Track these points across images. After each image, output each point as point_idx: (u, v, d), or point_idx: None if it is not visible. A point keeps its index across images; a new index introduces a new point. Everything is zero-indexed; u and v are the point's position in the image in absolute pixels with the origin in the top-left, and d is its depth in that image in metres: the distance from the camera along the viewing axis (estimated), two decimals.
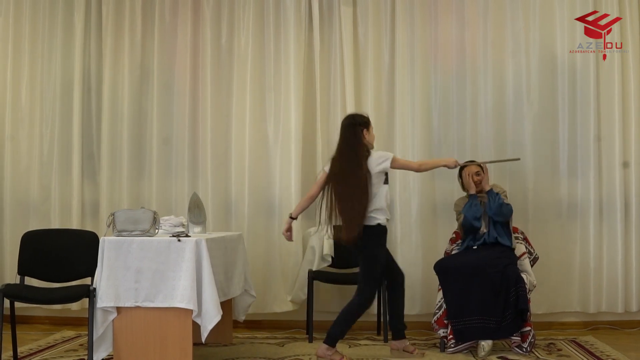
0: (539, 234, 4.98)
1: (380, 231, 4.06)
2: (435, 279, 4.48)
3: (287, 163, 5.13)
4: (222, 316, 3.86)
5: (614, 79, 5.03)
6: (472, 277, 4.25)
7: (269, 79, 5.22)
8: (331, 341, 4.05)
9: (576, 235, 5.06)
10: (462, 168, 4.65)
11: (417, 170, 4.28)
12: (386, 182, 4.10)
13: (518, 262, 4.49)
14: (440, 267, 4.40)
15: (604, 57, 5.07)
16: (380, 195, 4.04)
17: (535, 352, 4.28)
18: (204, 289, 3.82)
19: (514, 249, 4.54)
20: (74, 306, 5.06)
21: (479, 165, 4.63)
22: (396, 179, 5.11)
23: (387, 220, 4.12)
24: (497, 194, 4.53)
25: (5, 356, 4.07)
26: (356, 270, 5.00)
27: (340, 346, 4.49)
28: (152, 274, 3.85)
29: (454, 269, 4.34)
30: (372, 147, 4.14)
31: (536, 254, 4.68)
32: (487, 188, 4.56)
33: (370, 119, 4.21)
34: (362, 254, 4.09)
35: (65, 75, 5.31)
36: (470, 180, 4.59)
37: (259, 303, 4.93)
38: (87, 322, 3.93)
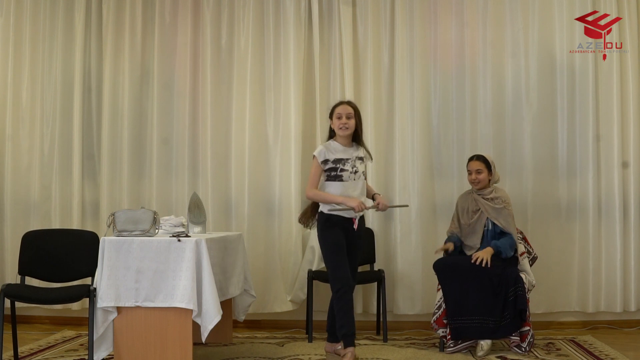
0: (538, 234, 4.99)
1: (324, 218, 3.99)
2: (434, 279, 4.48)
3: (287, 163, 5.14)
4: (222, 316, 3.86)
5: (613, 79, 5.04)
6: (471, 276, 4.25)
7: (268, 79, 5.23)
8: (331, 337, 4.10)
9: (575, 235, 5.07)
10: (468, 163, 4.58)
11: (307, 192, 4.03)
12: (333, 179, 3.95)
13: (518, 262, 4.48)
14: (440, 266, 4.39)
15: (604, 57, 5.07)
16: (325, 189, 3.98)
17: (534, 352, 4.29)
18: (204, 289, 3.83)
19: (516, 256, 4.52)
20: (75, 306, 5.07)
21: (483, 162, 4.50)
22: (395, 178, 5.12)
23: (343, 211, 3.92)
24: (501, 251, 4.32)
25: (5, 356, 4.08)
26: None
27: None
28: (152, 274, 3.86)
29: (453, 268, 4.33)
30: (336, 135, 4.05)
31: (535, 254, 4.69)
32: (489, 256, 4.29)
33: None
34: None
35: (66, 75, 5.32)
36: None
37: (259, 303, 4.94)
38: (87, 322, 3.94)
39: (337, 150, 4.02)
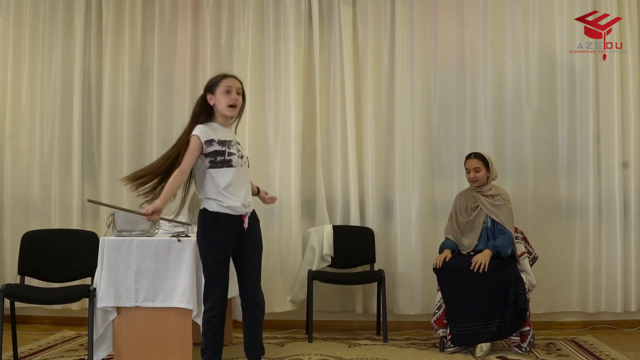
0: (539, 234, 4.98)
1: (206, 217, 3.37)
2: (434, 279, 4.47)
3: (287, 163, 5.13)
4: None
5: (613, 79, 5.04)
6: (472, 279, 4.21)
7: (268, 79, 5.22)
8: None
9: (575, 235, 5.07)
10: (465, 161, 4.57)
11: (174, 174, 3.30)
12: (221, 165, 3.33)
13: (517, 261, 4.48)
14: (440, 268, 4.38)
15: (604, 57, 5.07)
16: (207, 180, 3.36)
17: (535, 352, 4.29)
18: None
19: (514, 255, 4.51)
20: (74, 306, 5.07)
21: (481, 159, 4.48)
22: (395, 178, 5.12)
23: (239, 207, 3.38)
24: (500, 251, 4.29)
25: (5, 356, 4.08)
26: (356, 270, 5.05)
27: (340, 346, 4.51)
28: (152, 274, 3.86)
29: (453, 270, 4.30)
30: (225, 114, 3.40)
31: (535, 254, 4.68)
32: (488, 258, 4.24)
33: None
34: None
35: (66, 75, 5.31)
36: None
37: None
38: (87, 322, 3.94)
39: (218, 130, 3.40)
